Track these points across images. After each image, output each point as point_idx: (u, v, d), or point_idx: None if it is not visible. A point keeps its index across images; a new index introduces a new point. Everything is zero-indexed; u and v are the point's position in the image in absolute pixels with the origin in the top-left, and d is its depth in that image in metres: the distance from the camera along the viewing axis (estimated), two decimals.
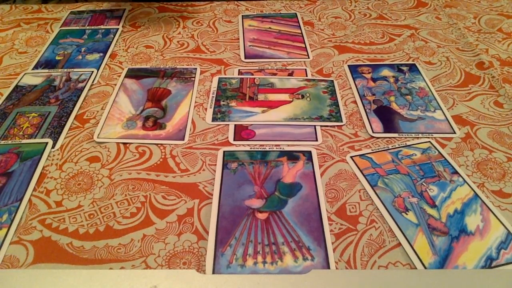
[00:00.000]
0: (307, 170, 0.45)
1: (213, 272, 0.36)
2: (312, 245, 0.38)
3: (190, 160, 0.47)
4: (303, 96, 0.55)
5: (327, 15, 0.74)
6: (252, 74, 0.59)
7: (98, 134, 0.49)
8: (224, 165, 0.45)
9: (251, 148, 0.47)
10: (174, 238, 0.39)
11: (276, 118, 0.52)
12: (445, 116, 0.52)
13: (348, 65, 0.61)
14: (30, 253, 0.37)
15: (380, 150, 0.47)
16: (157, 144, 0.48)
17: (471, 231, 0.39)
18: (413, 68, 0.60)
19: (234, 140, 0.49)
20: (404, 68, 0.60)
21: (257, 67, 0.61)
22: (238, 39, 0.68)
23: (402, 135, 0.49)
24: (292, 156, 0.46)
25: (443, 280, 0.34)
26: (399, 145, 0.48)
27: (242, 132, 0.50)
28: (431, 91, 0.56)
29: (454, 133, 0.50)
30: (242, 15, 0.74)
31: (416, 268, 0.36)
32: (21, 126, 0.51)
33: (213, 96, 0.55)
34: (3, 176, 0.44)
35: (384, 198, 0.42)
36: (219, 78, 0.59)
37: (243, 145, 0.48)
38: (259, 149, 0.47)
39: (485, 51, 0.64)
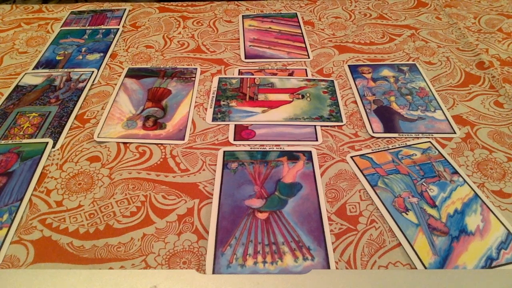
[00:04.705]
0: (307, 170, 0.45)
1: (213, 272, 0.36)
2: (312, 245, 0.38)
3: (190, 160, 0.47)
4: (303, 96, 0.55)
5: (327, 15, 0.74)
6: (252, 74, 0.59)
7: (99, 134, 0.49)
8: (224, 165, 0.45)
9: (251, 148, 0.47)
10: (174, 237, 0.39)
11: (276, 118, 0.52)
12: (445, 116, 0.52)
13: (348, 65, 0.61)
14: (30, 253, 0.37)
15: (380, 150, 0.47)
16: (157, 144, 0.48)
17: (471, 231, 0.39)
18: (413, 68, 0.60)
19: (234, 140, 0.49)
20: (404, 68, 0.60)
21: (257, 67, 0.61)
22: (239, 39, 0.68)
23: (402, 135, 0.49)
24: (292, 156, 0.46)
25: (443, 280, 0.34)
26: (399, 145, 0.48)
27: (242, 132, 0.50)
28: (431, 91, 0.56)
29: (454, 133, 0.50)
30: (243, 15, 0.74)
31: (416, 268, 0.36)
32: (22, 126, 0.51)
33: (213, 96, 0.55)
34: (3, 176, 0.44)
35: (384, 198, 0.42)
36: (219, 78, 0.59)
37: (243, 145, 0.48)
38: (259, 149, 0.47)
39: (485, 51, 0.64)
